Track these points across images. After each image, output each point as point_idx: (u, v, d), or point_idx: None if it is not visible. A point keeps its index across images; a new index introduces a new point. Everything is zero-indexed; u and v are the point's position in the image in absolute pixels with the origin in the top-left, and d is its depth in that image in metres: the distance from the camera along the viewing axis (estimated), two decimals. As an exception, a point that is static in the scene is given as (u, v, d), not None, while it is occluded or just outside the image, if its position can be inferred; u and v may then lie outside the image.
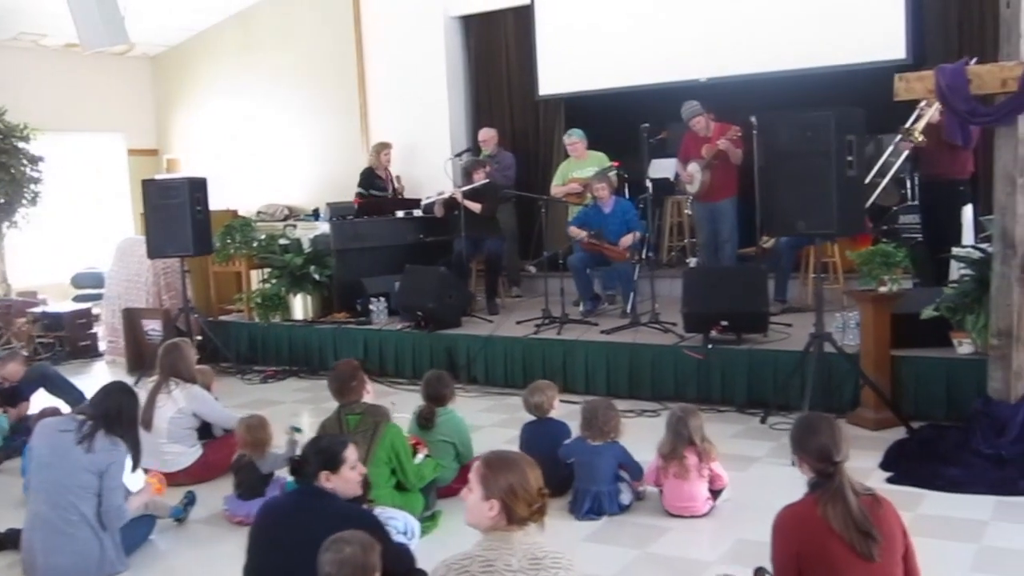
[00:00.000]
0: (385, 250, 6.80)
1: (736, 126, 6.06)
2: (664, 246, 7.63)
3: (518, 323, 5.89)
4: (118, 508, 3.06)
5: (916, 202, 5.79)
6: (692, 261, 6.94)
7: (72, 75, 8.99)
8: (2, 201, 7.83)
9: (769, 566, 2.15)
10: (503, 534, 1.87)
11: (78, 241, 9.09)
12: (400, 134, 8.07)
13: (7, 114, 7.89)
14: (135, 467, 3.19)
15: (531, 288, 7.18)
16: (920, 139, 5.04)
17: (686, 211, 7.18)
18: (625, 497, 3.39)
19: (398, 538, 2.76)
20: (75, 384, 5.12)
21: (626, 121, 6.10)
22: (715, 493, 3.35)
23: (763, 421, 4.48)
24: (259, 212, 8.62)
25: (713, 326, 4.87)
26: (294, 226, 7.28)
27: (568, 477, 3.43)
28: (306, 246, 6.69)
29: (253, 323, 6.67)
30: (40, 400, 4.92)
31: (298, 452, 3.91)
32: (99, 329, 7.35)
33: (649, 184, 5.72)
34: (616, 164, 6.67)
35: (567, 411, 3.93)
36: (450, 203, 6.56)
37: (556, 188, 6.90)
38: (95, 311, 7.47)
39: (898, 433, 4.12)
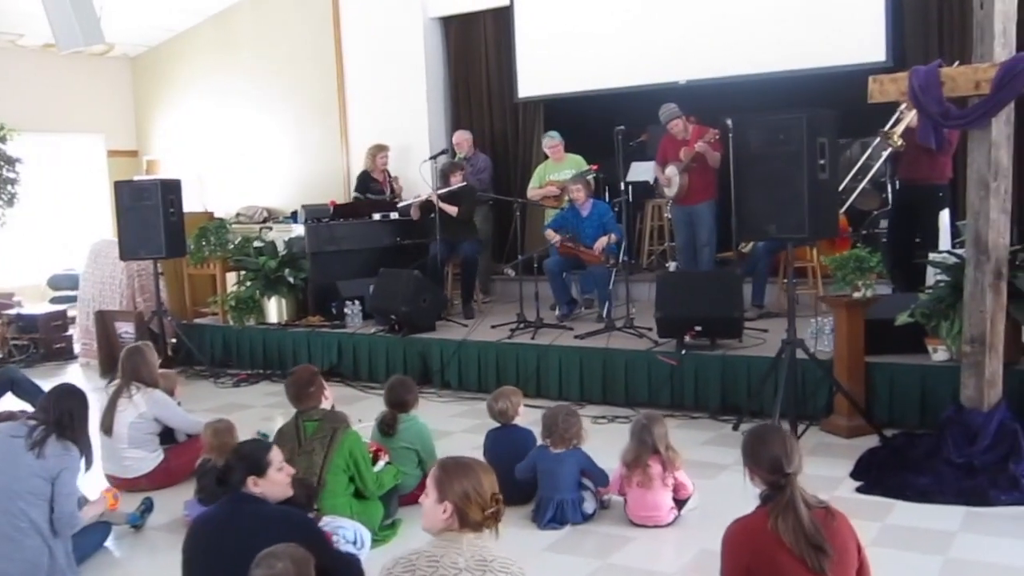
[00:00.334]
0: (361, 253, 6.72)
1: (714, 129, 6.02)
2: (644, 250, 7.59)
3: (493, 327, 5.82)
4: (70, 515, 2.99)
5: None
6: (672, 265, 6.89)
7: (51, 76, 8.88)
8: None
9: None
10: (454, 535, 1.89)
11: (56, 243, 8.98)
12: (378, 136, 7.98)
13: (-17, 115, 7.80)
14: (87, 468, 3.11)
15: (507, 292, 7.11)
16: (899, 143, 5.00)
17: (666, 215, 7.13)
18: (589, 506, 3.32)
19: (347, 548, 2.70)
20: (43, 388, 5.03)
21: (605, 124, 6.05)
22: (680, 502, 3.29)
23: (736, 428, 4.41)
24: (238, 214, 8.54)
25: (687, 331, 4.82)
26: (270, 228, 7.20)
27: (531, 487, 3.36)
28: (281, 249, 6.61)
29: (227, 326, 6.59)
30: (6, 403, 4.84)
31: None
32: (74, 331, 7.25)
33: (623, 187, 5.66)
34: (595, 167, 6.62)
35: (538, 417, 3.85)
36: (426, 206, 6.49)
37: (533, 191, 6.84)
38: (70, 313, 7.37)
39: (871, 441, 4.07)
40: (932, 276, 4.44)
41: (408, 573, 1.84)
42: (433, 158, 6.54)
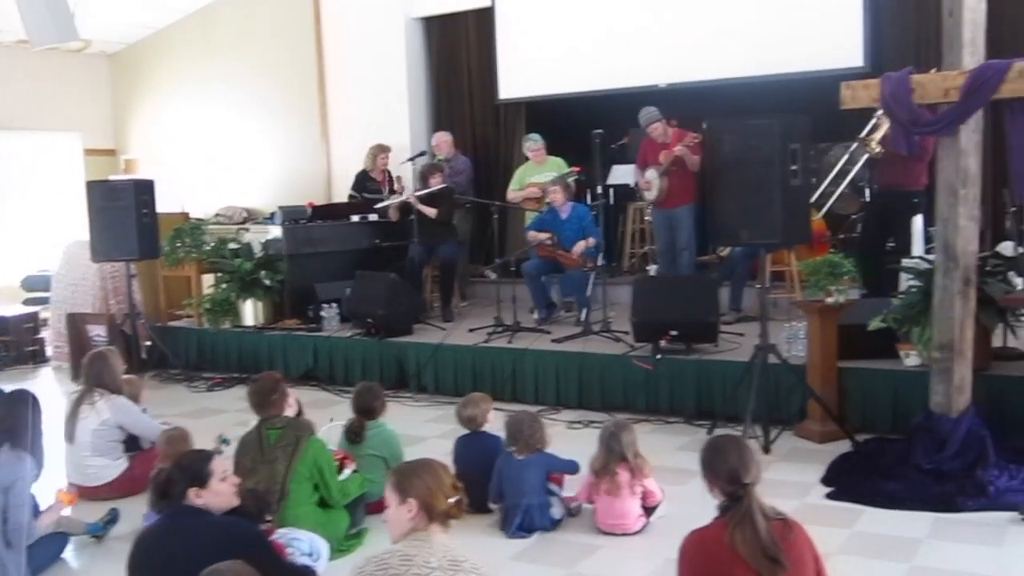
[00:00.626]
0: (339, 255, 6.66)
1: (694, 133, 6.01)
2: (625, 253, 7.57)
3: (471, 331, 5.78)
4: (24, 526, 2.92)
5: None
6: (652, 268, 6.88)
7: (26, 72, 8.75)
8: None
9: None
10: (424, 534, 1.92)
11: (31, 243, 8.85)
12: (359, 136, 7.93)
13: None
14: (38, 475, 3.05)
15: (487, 295, 7.08)
16: (876, 149, 5.01)
17: (647, 217, 7.12)
18: (556, 511, 3.30)
19: (302, 559, 2.65)
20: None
21: (587, 126, 6.03)
22: (649, 510, 3.27)
23: (709, 433, 4.39)
24: (217, 215, 8.45)
25: (663, 336, 4.80)
26: (246, 230, 7.12)
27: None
28: (258, 250, 6.54)
29: (202, 329, 6.51)
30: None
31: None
32: (46, 334, 7.14)
33: (600, 190, 5.65)
34: (577, 169, 6.60)
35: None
36: (405, 207, 6.44)
37: (513, 193, 6.81)
38: (43, 315, 7.27)
39: (844, 446, 4.07)
40: (905, 282, 4.45)
41: (381, 571, 1.85)
42: (411, 159, 6.49)
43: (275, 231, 6.72)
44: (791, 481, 3.71)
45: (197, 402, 5.65)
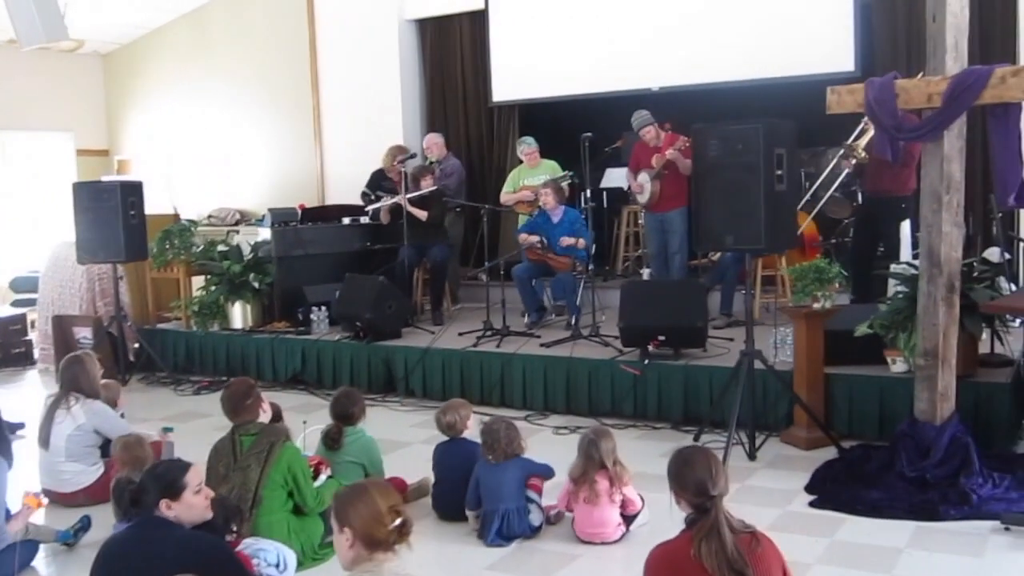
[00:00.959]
0: (329, 257, 6.63)
1: (686, 136, 5.98)
2: (619, 256, 7.54)
3: (460, 334, 5.75)
4: (2, 526, 2.90)
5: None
6: (646, 272, 6.85)
7: (18, 72, 8.71)
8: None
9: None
10: (371, 564, 1.84)
11: (21, 244, 8.82)
12: (352, 137, 7.92)
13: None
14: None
15: (478, 298, 7.04)
16: (863, 155, 4.98)
17: (641, 221, 7.09)
18: (535, 517, 3.26)
19: (268, 571, 2.62)
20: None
21: (580, 129, 6.01)
22: (629, 518, 3.23)
23: (696, 439, 4.36)
24: (210, 216, 8.42)
25: (651, 341, 4.77)
26: (236, 231, 7.09)
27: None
28: (247, 252, 6.51)
29: (191, 331, 6.48)
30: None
31: (175, 454, 3.80)
32: (34, 336, 7.12)
33: (589, 193, 5.62)
34: (570, 173, 6.57)
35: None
36: (396, 210, 6.41)
37: (507, 195, 6.79)
38: (31, 317, 7.24)
39: (830, 452, 4.04)
40: (892, 287, 4.42)
41: None
42: (401, 161, 6.46)
43: (265, 233, 6.69)
44: (775, 488, 3.68)
45: (182, 406, 5.62)
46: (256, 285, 6.33)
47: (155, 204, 7.64)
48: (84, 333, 6.23)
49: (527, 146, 6.72)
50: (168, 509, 2.33)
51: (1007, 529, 3.11)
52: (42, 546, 3.25)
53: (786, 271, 4.43)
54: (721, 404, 4.35)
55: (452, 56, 7.84)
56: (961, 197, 3.53)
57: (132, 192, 6.04)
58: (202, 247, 6.60)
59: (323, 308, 6.15)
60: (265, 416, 3.20)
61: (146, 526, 2.30)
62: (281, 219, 6.59)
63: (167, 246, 6.50)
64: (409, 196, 6.29)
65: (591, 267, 5.78)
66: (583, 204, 6.11)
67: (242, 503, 2.97)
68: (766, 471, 3.90)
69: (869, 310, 4.32)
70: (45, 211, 9.04)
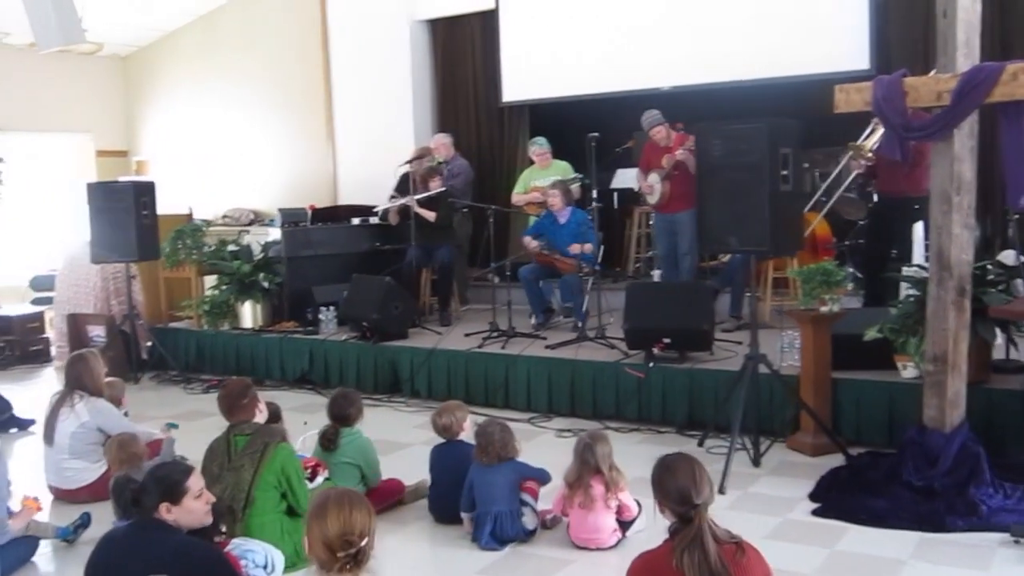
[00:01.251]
0: (338, 258, 6.65)
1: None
2: (630, 257, 7.47)
3: (466, 335, 5.73)
4: (5, 520, 2.93)
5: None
6: (657, 274, 6.77)
7: (40, 75, 8.88)
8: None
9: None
10: None
11: (42, 243, 8.97)
12: (364, 138, 7.94)
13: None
14: None
15: (487, 299, 7.01)
16: (871, 155, 4.87)
17: (652, 222, 7.02)
18: (530, 521, 3.22)
19: (256, 572, 2.61)
20: (0, 394, 5.04)
21: (591, 129, 5.97)
22: (625, 524, 3.18)
23: (700, 444, 4.30)
24: (225, 216, 8.50)
25: (655, 343, 4.71)
26: (248, 231, 7.14)
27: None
28: (257, 253, 6.55)
29: (201, 330, 6.54)
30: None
31: (176, 451, 3.81)
32: (51, 334, 7.23)
33: (595, 194, 5.57)
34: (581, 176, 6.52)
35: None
36: (405, 210, 6.41)
37: (517, 196, 6.75)
38: (49, 315, 7.35)
39: (837, 460, 3.95)
40: (904, 291, 4.31)
41: None
42: (408, 163, 6.46)
43: (275, 233, 6.73)
44: (777, 496, 3.60)
45: (190, 404, 5.66)
46: (266, 285, 6.37)
47: (172, 204, 7.75)
48: (97, 331, 6.32)
49: (539, 147, 6.68)
50: (168, 513, 2.32)
51: (1017, 542, 3.01)
52: (42, 542, 3.27)
53: (792, 273, 4.34)
54: (726, 409, 4.28)
55: (463, 56, 7.83)
56: (972, 198, 3.42)
57: (144, 192, 6.11)
58: (213, 247, 6.65)
59: (331, 308, 6.17)
60: (261, 416, 3.20)
61: (145, 528, 2.30)
62: (291, 219, 6.63)
63: (179, 246, 6.56)
64: (417, 197, 6.29)
65: (598, 269, 5.72)
66: (591, 205, 6.07)
67: (235, 503, 2.97)
68: (769, 478, 3.83)
69: (879, 314, 4.21)
70: (65, 211, 9.19)
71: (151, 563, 2.17)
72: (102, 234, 6.07)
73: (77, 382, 3.80)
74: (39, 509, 3.19)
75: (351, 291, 6.04)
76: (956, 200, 3.38)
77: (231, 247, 6.60)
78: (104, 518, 3.50)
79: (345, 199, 8.00)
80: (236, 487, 2.98)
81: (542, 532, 3.28)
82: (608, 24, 6.90)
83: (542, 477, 3.29)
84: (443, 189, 6.41)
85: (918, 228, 4.59)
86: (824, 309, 4.09)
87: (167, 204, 7.44)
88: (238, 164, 8.87)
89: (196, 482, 2.40)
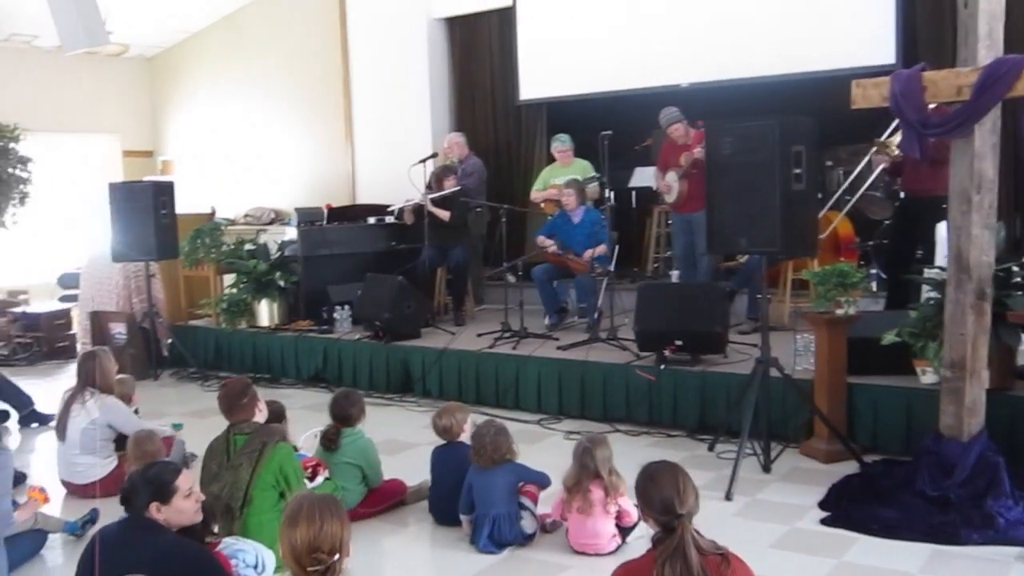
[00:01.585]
0: (354, 257, 6.67)
1: (714, 134, 5.78)
2: (649, 257, 7.37)
3: (479, 335, 5.70)
4: (5, 513, 2.98)
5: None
6: (675, 274, 6.67)
7: (67, 77, 9.07)
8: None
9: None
10: None
11: (70, 241, 9.17)
12: (383, 137, 7.96)
13: (-2, 115, 8.00)
14: None
15: (502, 299, 6.97)
16: (896, 152, 4.72)
17: (671, 221, 6.91)
18: (528, 525, 3.18)
19: (246, 572, 2.61)
20: (22, 389, 5.15)
21: (609, 127, 5.91)
22: (625, 530, 3.12)
23: (711, 448, 4.21)
24: (246, 215, 8.60)
25: (667, 346, 4.62)
26: (266, 230, 7.21)
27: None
28: (274, 252, 6.60)
29: (219, 328, 6.61)
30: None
31: (186, 450, 3.84)
32: (76, 330, 7.38)
33: (608, 193, 5.49)
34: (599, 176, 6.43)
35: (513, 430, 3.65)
36: (420, 210, 6.40)
37: (536, 193, 6.70)
38: (75, 312, 7.51)
39: (850, 467, 3.83)
40: (925, 293, 4.16)
41: None
42: (422, 162, 6.45)
43: (291, 232, 6.77)
44: (786, 503, 3.51)
45: (205, 401, 5.70)
46: (282, 284, 6.42)
47: (195, 203, 7.86)
48: (119, 329, 6.43)
49: (561, 144, 6.61)
50: (157, 512, 2.34)
51: (1035, 556, 2.88)
52: (50, 536, 3.32)
53: (806, 274, 4.22)
54: (737, 413, 4.18)
55: (480, 54, 7.80)
56: (993, 197, 3.29)
57: (163, 192, 6.19)
58: (232, 246, 6.72)
59: (347, 307, 6.19)
60: (261, 416, 3.20)
61: (135, 527, 2.31)
62: (307, 219, 6.67)
63: (197, 245, 6.64)
64: (431, 196, 6.27)
65: (611, 269, 5.64)
66: (613, 202, 6.00)
67: (233, 502, 2.98)
68: (779, 484, 3.73)
69: (897, 316, 4.07)
70: (93, 210, 9.38)
71: (141, 562, 2.18)
72: (123, 233, 6.17)
73: (88, 379, 3.86)
74: (46, 501, 3.24)
75: (365, 290, 6.05)
76: (976, 199, 3.25)
77: (248, 246, 6.66)
78: (113, 514, 3.53)
79: (363, 198, 8.03)
80: (234, 486, 2.99)
81: (541, 536, 3.24)
82: (626, 20, 6.81)
83: (541, 481, 3.24)
84: (457, 188, 6.39)
85: (941, 228, 4.43)
86: (840, 311, 3.97)
87: (191, 203, 7.55)
88: (260, 163, 8.96)
89: (185, 481, 2.41)
